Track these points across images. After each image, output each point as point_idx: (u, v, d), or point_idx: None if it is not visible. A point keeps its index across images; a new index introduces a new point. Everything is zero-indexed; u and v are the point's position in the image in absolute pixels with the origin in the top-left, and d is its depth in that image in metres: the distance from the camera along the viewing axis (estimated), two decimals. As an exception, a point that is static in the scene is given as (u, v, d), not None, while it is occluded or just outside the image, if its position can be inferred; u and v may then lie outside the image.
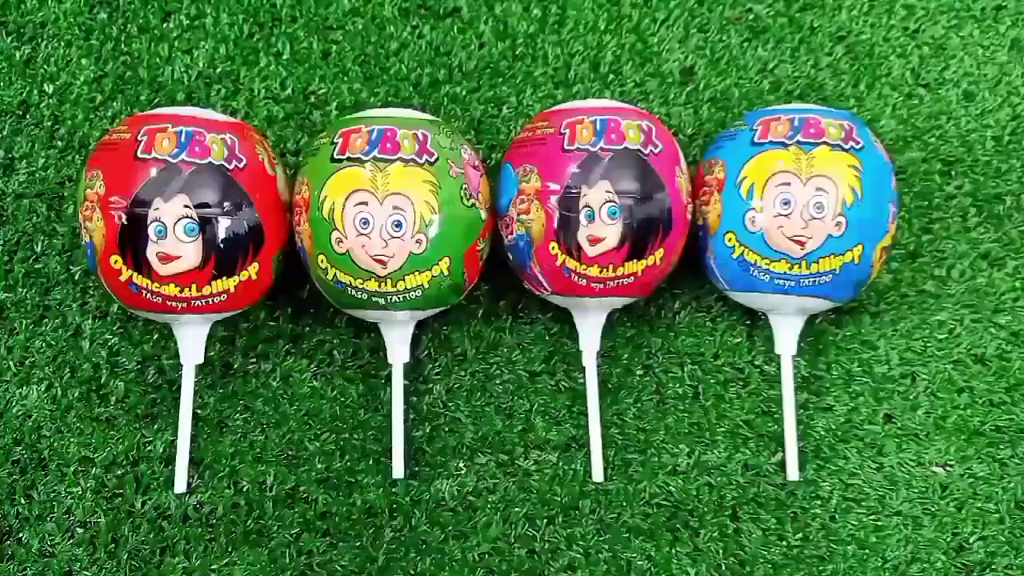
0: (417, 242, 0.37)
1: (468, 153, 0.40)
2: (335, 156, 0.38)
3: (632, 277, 0.39)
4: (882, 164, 0.39)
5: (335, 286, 0.39)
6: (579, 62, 0.48)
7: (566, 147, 0.38)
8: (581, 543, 0.43)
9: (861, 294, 0.44)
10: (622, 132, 0.38)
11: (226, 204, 0.37)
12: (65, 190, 0.45)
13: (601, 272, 0.38)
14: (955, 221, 0.46)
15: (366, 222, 0.37)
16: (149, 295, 0.37)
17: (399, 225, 0.37)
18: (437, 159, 0.38)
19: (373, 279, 0.38)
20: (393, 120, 0.38)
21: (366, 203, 0.37)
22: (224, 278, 0.38)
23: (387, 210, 0.37)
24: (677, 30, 0.48)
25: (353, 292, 0.38)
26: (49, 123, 0.46)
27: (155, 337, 0.44)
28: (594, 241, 0.38)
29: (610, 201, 0.37)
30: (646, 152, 0.38)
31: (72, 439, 0.43)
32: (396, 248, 0.37)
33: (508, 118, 0.47)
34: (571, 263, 0.38)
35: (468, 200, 0.38)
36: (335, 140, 0.38)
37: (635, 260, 0.38)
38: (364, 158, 0.37)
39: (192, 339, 0.41)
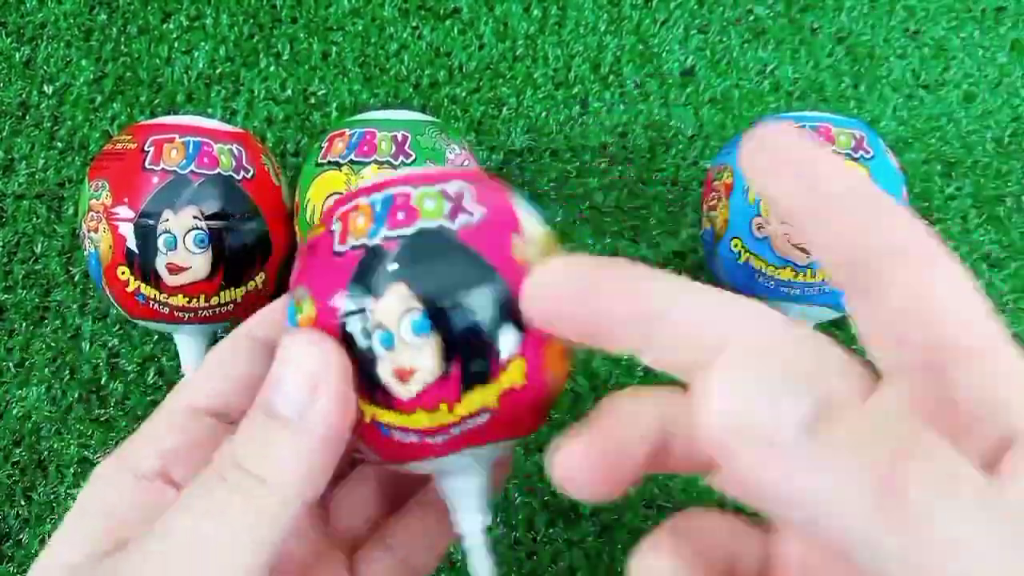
0: None
1: (455, 153, 0.39)
2: (319, 160, 0.38)
3: None
4: (893, 174, 0.39)
5: None
6: (579, 63, 0.47)
7: None
8: (582, 546, 0.43)
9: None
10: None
11: (236, 215, 0.37)
12: (65, 191, 0.45)
13: None
14: (955, 222, 0.46)
15: None
16: (156, 306, 0.37)
17: None
18: (415, 160, 0.37)
19: None
20: (377, 122, 0.38)
21: None
22: (232, 288, 0.38)
23: None
24: (677, 31, 0.48)
25: None
26: (49, 124, 0.46)
27: (155, 339, 0.44)
28: None
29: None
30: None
31: (72, 440, 0.43)
32: None
33: (508, 119, 0.47)
34: None
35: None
36: (323, 144, 0.38)
37: None
38: (342, 161, 0.37)
39: (194, 349, 0.41)
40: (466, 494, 0.23)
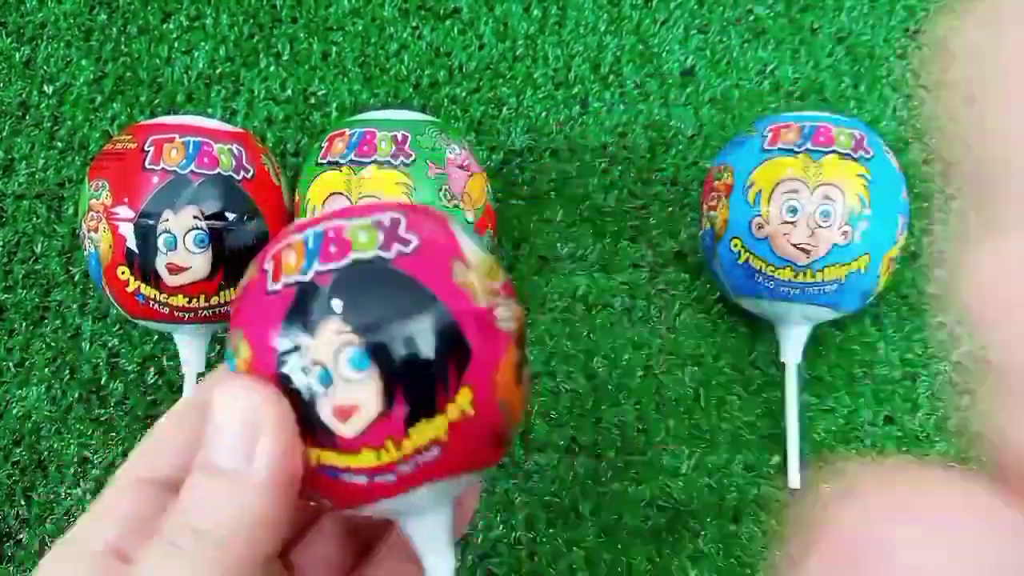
0: None
1: (456, 153, 0.39)
2: (319, 160, 0.38)
3: None
4: (893, 174, 0.39)
5: None
6: (579, 63, 0.47)
7: None
8: (582, 546, 0.43)
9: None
10: None
11: (236, 215, 0.37)
12: (65, 191, 0.45)
13: None
14: (956, 223, 0.46)
15: None
16: (156, 306, 0.37)
17: None
18: (414, 160, 0.37)
19: None
20: (377, 122, 0.38)
21: (341, 206, 0.37)
22: (232, 288, 0.38)
23: None
24: (677, 31, 0.48)
25: None
26: (49, 124, 0.46)
27: (155, 339, 0.44)
28: None
29: None
30: None
31: (72, 440, 0.43)
32: None
33: (508, 119, 0.47)
34: None
35: (449, 201, 0.38)
36: (323, 144, 0.38)
37: None
38: (342, 161, 0.37)
39: (195, 349, 0.41)
40: (430, 536, 0.22)
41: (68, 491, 0.43)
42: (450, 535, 0.22)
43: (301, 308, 0.20)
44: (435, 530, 0.22)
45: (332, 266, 0.20)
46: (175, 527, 0.18)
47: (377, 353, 0.19)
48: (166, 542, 0.18)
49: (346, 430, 0.19)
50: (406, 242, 0.21)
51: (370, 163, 0.37)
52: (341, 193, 0.37)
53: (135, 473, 0.22)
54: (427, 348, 0.19)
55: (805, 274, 0.38)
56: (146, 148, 0.37)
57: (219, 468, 0.18)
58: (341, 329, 0.19)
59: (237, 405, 0.19)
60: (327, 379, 0.19)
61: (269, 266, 0.21)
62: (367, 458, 0.20)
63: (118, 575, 0.19)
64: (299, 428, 0.19)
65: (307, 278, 0.20)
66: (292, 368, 0.19)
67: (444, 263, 0.21)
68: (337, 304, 0.19)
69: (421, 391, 0.20)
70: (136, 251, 0.36)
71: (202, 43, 0.47)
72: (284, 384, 0.19)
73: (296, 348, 0.19)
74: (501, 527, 0.43)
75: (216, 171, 0.37)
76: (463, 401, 0.20)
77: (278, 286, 0.20)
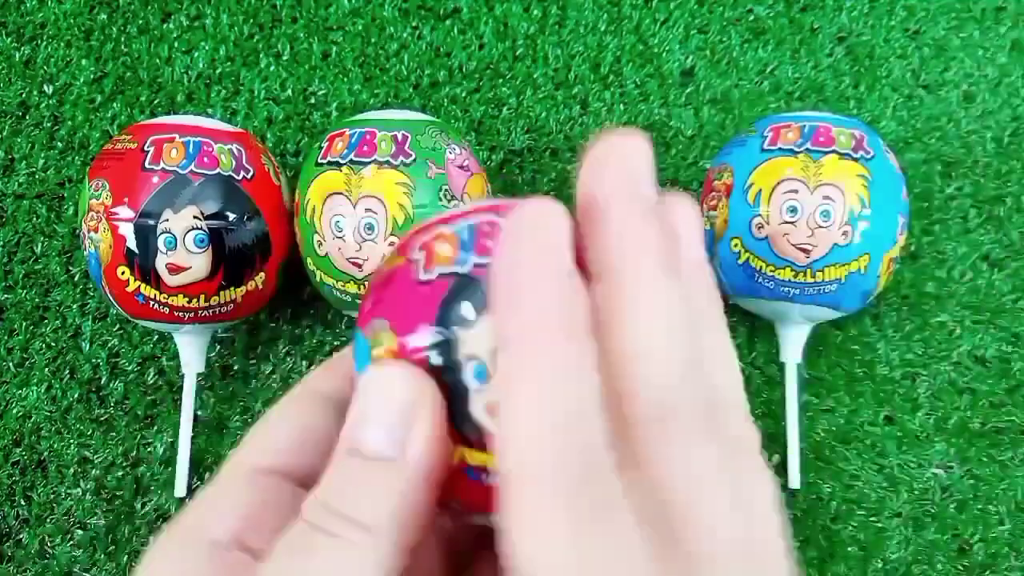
0: (391, 244, 0.37)
1: (456, 153, 0.39)
2: (319, 160, 0.38)
3: None
4: (893, 174, 0.39)
5: (323, 288, 0.39)
6: (579, 63, 0.47)
7: None
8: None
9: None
10: None
11: (236, 215, 0.37)
12: (65, 191, 0.45)
13: None
14: (956, 223, 0.46)
15: (340, 225, 0.37)
16: (156, 305, 0.37)
17: (371, 228, 0.37)
18: (414, 160, 0.37)
19: (352, 282, 0.38)
20: (377, 122, 0.38)
21: (341, 206, 0.37)
22: (232, 288, 0.38)
23: (360, 213, 0.37)
24: (677, 31, 0.48)
25: (338, 294, 0.38)
26: (49, 124, 0.46)
27: (155, 339, 0.44)
28: None
29: None
30: None
31: (71, 440, 0.43)
32: (370, 251, 0.37)
33: (508, 119, 0.47)
34: None
35: (449, 201, 0.38)
36: (323, 144, 0.38)
37: None
38: (342, 161, 0.37)
39: (195, 349, 0.41)
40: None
41: (68, 491, 0.43)
42: None
43: (457, 300, 0.19)
44: None
45: (490, 259, 0.19)
46: (319, 511, 0.17)
47: None
48: (308, 526, 0.17)
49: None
50: None
51: (370, 163, 0.37)
52: (341, 193, 0.37)
53: (250, 461, 0.20)
54: None
55: (805, 274, 0.38)
56: (146, 148, 0.37)
57: (370, 451, 0.17)
58: None
59: (395, 388, 0.18)
60: (483, 375, 0.19)
61: (419, 256, 0.20)
62: None
63: (245, 571, 0.18)
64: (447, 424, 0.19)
65: (464, 270, 0.19)
66: (443, 361, 0.19)
67: None
68: None
69: None
70: (136, 251, 0.36)
71: (202, 43, 0.47)
72: (435, 376, 0.19)
73: (449, 340, 0.19)
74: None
75: (216, 171, 0.37)
76: None
77: (431, 276, 0.20)
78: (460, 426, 0.19)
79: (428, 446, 0.17)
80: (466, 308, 0.19)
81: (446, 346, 0.19)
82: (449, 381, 0.19)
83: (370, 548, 0.17)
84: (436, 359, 0.19)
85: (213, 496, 0.19)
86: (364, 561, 0.16)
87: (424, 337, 0.19)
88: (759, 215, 0.38)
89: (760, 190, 0.39)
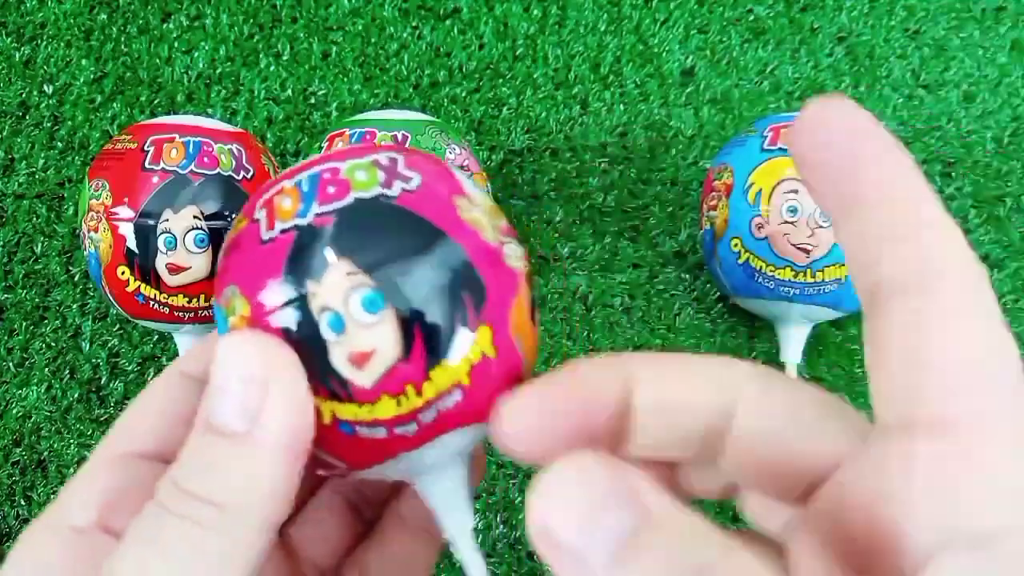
0: None
1: (456, 153, 0.39)
2: None
3: None
4: None
5: None
6: (579, 63, 0.48)
7: None
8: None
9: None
10: None
11: (236, 215, 0.37)
12: (65, 191, 0.45)
13: None
14: (955, 222, 0.46)
15: None
16: (156, 305, 0.37)
17: None
18: None
19: None
20: (377, 122, 0.38)
21: None
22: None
23: None
24: (677, 31, 0.48)
25: None
26: (49, 124, 0.46)
27: (155, 339, 0.44)
28: None
29: None
30: None
31: (71, 440, 0.43)
32: None
33: (508, 119, 0.47)
34: None
35: None
36: (323, 144, 0.38)
37: None
38: None
39: None
40: (449, 492, 0.20)
41: (68, 491, 0.43)
42: (468, 492, 0.21)
43: (303, 253, 0.18)
44: (454, 487, 0.20)
45: (333, 207, 0.19)
46: (172, 493, 0.17)
47: (391, 293, 0.18)
48: (159, 508, 0.17)
49: (363, 378, 0.18)
50: (408, 179, 0.19)
51: None
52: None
53: (120, 446, 0.20)
54: (443, 286, 0.18)
55: (805, 274, 0.38)
56: (146, 148, 0.37)
57: (224, 429, 0.17)
58: (350, 271, 0.18)
59: (241, 359, 0.17)
60: (339, 325, 0.18)
61: (261, 214, 0.19)
62: (387, 407, 0.18)
63: (104, 550, 0.17)
64: (310, 381, 0.18)
65: (306, 221, 0.18)
66: (298, 318, 0.18)
67: (449, 200, 0.19)
68: (342, 245, 0.18)
69: (440, 331, 0.18)
70: (136, 251, 0.36)
71: (202, 43, 0.47)
72: (290, 336, 0.18)
73: (301, 296, 0.18)
74: (501, 527, 0.43)
75: (216, 171, 0.37)
76: (483, 340, 0.19)
77: (274, 233, 0.19)
78: (325, 381, 0.18)
79: (284, 414, 0.17)
80: (313, 261, 0.18)
81: (299, 302, 0.18)
82: (307, 337, 0.18)
83: (222, 527, 0.16)
84: (291, 316, 0.18)
85: (76, 484, 0.19)
86: (214, 541, 0.16)
87: (275, 296, 0.18)
88: (759, 215, 0.38)
89: (760, 190, 0.39)
